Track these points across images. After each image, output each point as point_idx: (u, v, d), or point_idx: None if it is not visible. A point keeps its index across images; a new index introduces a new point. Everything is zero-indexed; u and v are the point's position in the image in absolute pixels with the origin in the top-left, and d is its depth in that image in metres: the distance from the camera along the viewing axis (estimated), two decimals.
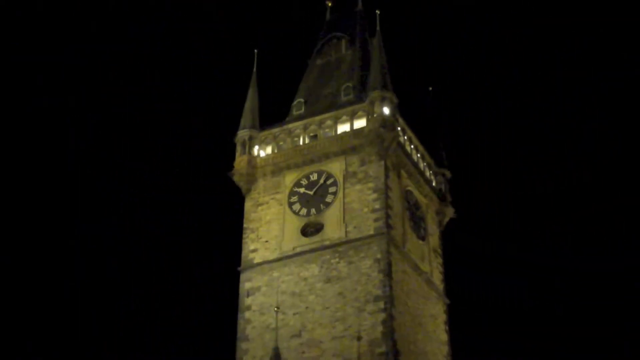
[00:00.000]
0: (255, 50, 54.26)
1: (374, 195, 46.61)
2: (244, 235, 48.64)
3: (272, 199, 49.01)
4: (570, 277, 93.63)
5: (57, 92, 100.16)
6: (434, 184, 53.03)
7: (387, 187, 46.82)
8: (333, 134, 49.41)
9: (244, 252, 48.10)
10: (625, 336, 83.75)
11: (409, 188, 49.76)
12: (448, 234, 53.45)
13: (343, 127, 49.39)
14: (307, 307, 44.92)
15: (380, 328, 42.78)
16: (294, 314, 44.84)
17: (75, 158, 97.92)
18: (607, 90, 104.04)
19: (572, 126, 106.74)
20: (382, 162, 47.32)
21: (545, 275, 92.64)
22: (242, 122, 51.61)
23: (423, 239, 50.05)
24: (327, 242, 46.28)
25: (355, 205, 46.73)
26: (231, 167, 50.41)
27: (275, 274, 46.58)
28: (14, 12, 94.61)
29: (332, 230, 46.54)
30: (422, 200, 51.03)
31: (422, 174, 51.67)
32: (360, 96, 50.11)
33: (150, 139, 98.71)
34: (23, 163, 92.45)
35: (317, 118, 50.43)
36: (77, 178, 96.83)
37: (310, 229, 47.22)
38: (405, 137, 50.55)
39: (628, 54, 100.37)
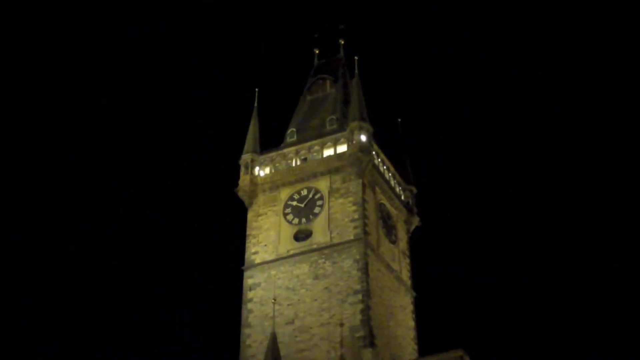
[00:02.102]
0: (256, 89, 54.13)
1: (354, 207, 46.65)
2: (247, 241, 48.45)
3: (270, 210, 48.85)
4: (523, 268, 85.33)
5: (57, 91, 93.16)
6: (402, 198, 52.89)
7: (364, 201, 46.91)
8: (320, 157, 49.43)
9: (247, 254, 47.95)
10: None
11: (382, 201, 49.81)
12: (414, 239, 53.28)
13: (328, 152, 49.39)
14: (299, 300, 44.89)
15: (359, 316, 42.88)
16: (288, 305, 44.80)
17: (84, 160, 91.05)
18: (603, 90, 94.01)
19: (553, 127, 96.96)
20: (360, 180, 47.41)
21: (498, 267, 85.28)
22: (246, 147, 51.41)
23: (394, 243, 50.03)
24: (315, 246, 46.27)
25: (338, 216, 46.75)
26: (236, 184, 50.24)
27: (273, 272, 46.52)
28: (14, 12, 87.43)
29: (319, 236, 46.57)
30: (392, 211, 51.04)
31: (392, 190, 51.65)
32: (342, 126, 50.17)
33: (161, 155, 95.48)
34: (23, 163, 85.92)
35: (307, 144, 50.38)
36: (92, 179, 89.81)
37: (301, 235, 47.18)
38: (379, 160, 50.59)
39: (628, 53, 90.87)
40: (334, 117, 51.89)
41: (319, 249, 46.14)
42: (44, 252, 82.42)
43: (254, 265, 47.39)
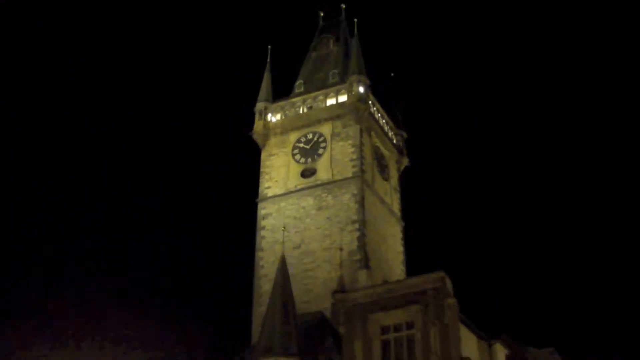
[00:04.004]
0: (269, 47, 53.59)
1: (352, 149, 46.64)
2: (261, 177, 48.48)
3: (281, 151, 48.81)
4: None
5: (57, 92, 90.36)
6: (394, 141, 52.79)
7: (361, 144, 46.87)
8: (323, 105, 49.16)
9: (261, 189, 48.01)
10: None
11: (377, 144, 49.69)
12: (404, 176, 53.27)
13: (330, 101, 49.15)
14: (304, 228, 45.09)
15: (356, 242, 43.19)
16: (296, 232, 45.04)
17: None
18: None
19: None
20: (358, 126, 47.31)
21: (478, 200, 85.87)
22: (260, 96, 51.17)
23: (386, 180, 50.07)
24: (319, 182, 46.34)
25: (338, 156, 46.73)
26: (251, 129, 50.16)
27: (283, 204, 46.66)
28: (14, 12, 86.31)
29: (323, 174, 46.61)
30: (386, 152, 50.97)
31: (386, 134, 51.53)
32: (343, 79, 49.79)
33: (188, 105, 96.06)
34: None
35: (312, 94, 50.05)
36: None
37: (307, 173, 47.18)
38: (375, 108, 50.32)
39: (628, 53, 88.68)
40: (336, 71, 51.48)
41: (322, 185, 46.21)
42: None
43: (266, 198, 47.48)
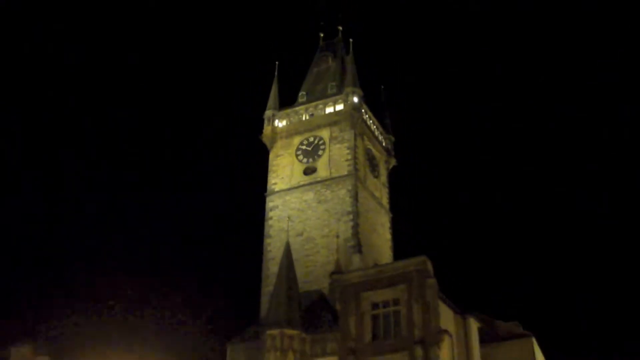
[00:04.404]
0: (277, 62, 53.63)
1: (347, 151, 46.75)
2: (269, 174, 48.48)
3: (286, 152, 48.87)
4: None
5: (57, 92, 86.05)
6: (384, 144, 52.77)
7: (355, 146, 46.99)
8: (323, 113, 49.27)
9: (269, 184, 48.05)
10: None
11: (369, 147, 49.81)
12: (392, 175, 53.21)
13: (329, 109, 49.22)
14: (306, 218, 45.18)
15: (350, 231, 43.36)
16: (298, 222, 45.10)
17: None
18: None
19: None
20: (353, 131, 47.48)
21: (457, 193, 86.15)
22: (268, 105, 51.22)
23: (377, 177, 50.11)
24: (319, 179, 46.49)
25: (336, 157, 46.83)
26: (261, 133, 50.22)
27: (287, 198, 46.74)
28: (14, 12, 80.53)
29: (322, 172, 46.76)
30: (376, 154, 51.05)
31: (376, 138, 51.62)
32: (340, 90, 49.91)
33: (205, 112, 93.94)
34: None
35: (313, 104, 50.13)
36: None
37: (308, 171, 47.31)
38: (367, 116, 50.46)
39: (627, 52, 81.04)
40: (333, 83, 51.53)
41: (322, 181, 46.33)
42: None
43: (273, 193, 47.56)
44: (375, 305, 35.81)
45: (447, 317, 36.07)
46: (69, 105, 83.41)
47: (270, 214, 46.70)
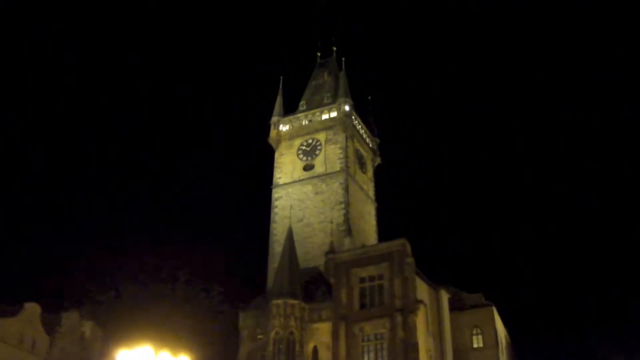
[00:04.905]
0: (281, 77, 53.66)
1: (340, 151, 46.85)
2: (274, 170, 48.33)
3: (289, 152, 48.80)
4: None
5: (57, 92, 79.24)
6: (370, 145, 52.64)
7: (346, 147, 47.11)
8: (320, 119, 49.26)
9: (274, 178, 47.90)
10: None
11: (358, 147, 49.84)
12: (377, 171, 52.87)
13: (325, 116, 49.23)
14: (305, 207, 45.23)
15: (342, 217, 43.58)
16: (299, 210, 45.13)
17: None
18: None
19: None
20: (344, 134, 47.58)
21: (435, 186, 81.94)
22: (274, 112, 51.06)
23: (364, 173, 50.11)
24: (316, 174, 46.49)
25: (330, 156, 46.85)
26: (268, 135, 50.01)
27: (290, 190, 46.69)
28: (14, 12, 73.72)
29: (319, 168, 46.77)
30: (364, 153, 51.03)
31: (364, 140, 51.57)
32: (334, 100, 49.89)
33: (220, 119, 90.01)
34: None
35: (312, 111, 50.11)
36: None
37: (308, 167, 47.31)
38: (357, 121, 50.46)
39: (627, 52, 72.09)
40: (329, 94, 51.49)
41: (318, 176, 46.36)
42: None
43: (278, 185, 47.49)
44: (362, 280, 36.18)
45: (422, 290, 36.40)
46: (69, 105, 76.78)
47: (275, 203, 46.69)
